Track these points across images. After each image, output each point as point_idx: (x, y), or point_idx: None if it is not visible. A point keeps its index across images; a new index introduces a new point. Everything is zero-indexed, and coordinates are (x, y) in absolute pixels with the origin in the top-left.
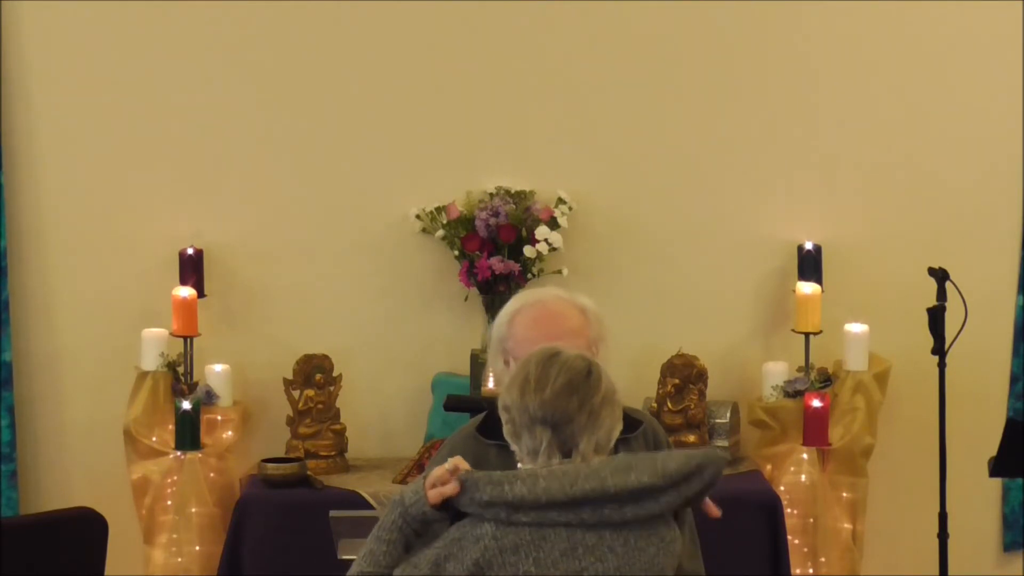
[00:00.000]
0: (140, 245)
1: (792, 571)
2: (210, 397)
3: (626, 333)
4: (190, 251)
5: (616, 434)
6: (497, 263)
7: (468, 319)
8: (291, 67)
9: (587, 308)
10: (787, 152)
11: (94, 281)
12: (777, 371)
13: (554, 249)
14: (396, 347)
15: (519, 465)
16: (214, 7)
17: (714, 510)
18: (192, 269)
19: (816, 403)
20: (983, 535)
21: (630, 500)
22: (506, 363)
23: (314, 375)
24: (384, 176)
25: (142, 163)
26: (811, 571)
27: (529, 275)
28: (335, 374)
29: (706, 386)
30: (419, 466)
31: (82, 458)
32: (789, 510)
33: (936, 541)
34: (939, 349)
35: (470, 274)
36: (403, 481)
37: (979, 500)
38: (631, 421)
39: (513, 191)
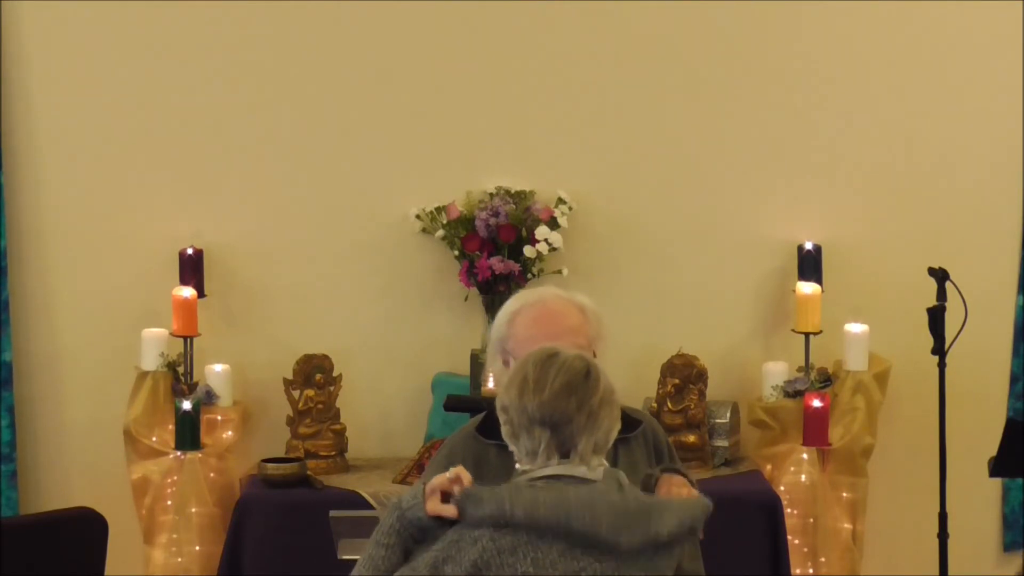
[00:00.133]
0: (140, 245)
1: (792, 571)
2: (210, 397)
3: (626, 333)
4: (190, 251)
5: (615, 434)
6: (497, 263)
7: (468, 319)
8: (291, 67)
9: (586, 307)
10: (787, 152)
11: (94, 281)
12: (777, 371)
13: (554, 249)
14: (396, 347)
15: (517, 466)
16: (214, 7)
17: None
18: (192, 269)
19: (816, 403)
20: (983, 535)
21: (618, 555)
22: (505, 363)
23: (314, 375)
24: (384, 176)
25: (142, 163)
26: (811, 571)
27: (529, 275)
28: (335, 374)
29: (706, 386)
30: (419, 466)
31: (82, 458)
32: (789, 510)
33: (936, 541)
34: (939, 349)
35: (470, 274)
36: (403, 481)
37: (979, 500)
38: (630, 421)
39: (513, 191)
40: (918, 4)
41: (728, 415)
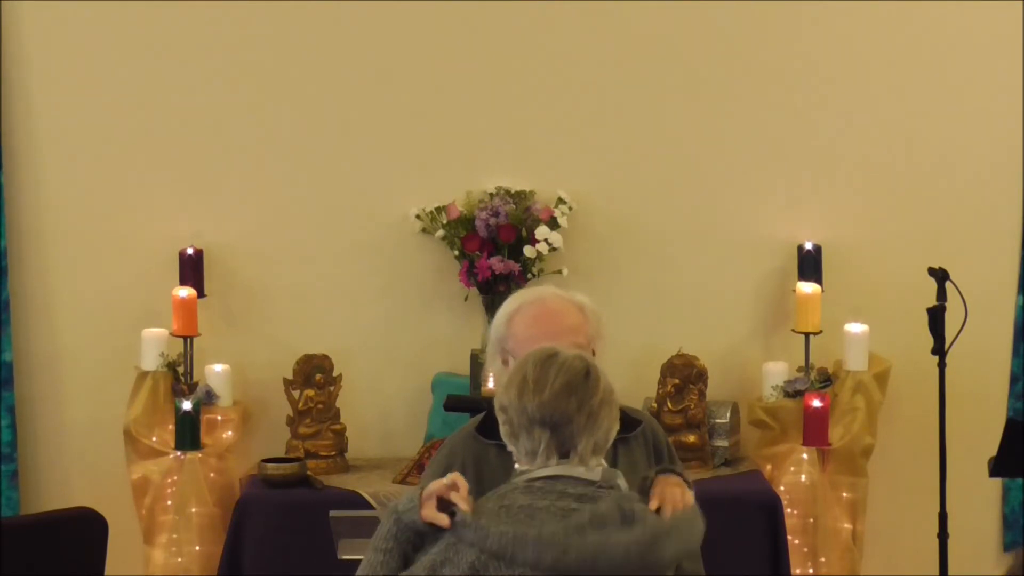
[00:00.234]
0: (140, 245)
1: (792, 571)
2: (210, 397)
3: (626, 333)
4: (190, 251)
5: (614, 434)
6: (497, 263)
7: (468, 319)
8: (291, 67)
9: (585, 306)
10: (787, 152)
11: (94, 281)
12: (777, 371)
13: (554, 249)
14: (396, 347)
15: (516, 466)
16: (214, 7)
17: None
18: (192, 269)
19: (816, 403)
20: (983, 535)
21: None
22: (505, 362)
23: (314, 375)
24: (384, 176)
25: (142, 163)
26: (811, 571)
27: (529, 275)
28: (335, 374)
29: (706, 386)
30: (419, 466)
31: (82, 458)
32: (789, 510)
33: (936, 541)
34: (939, 349)
35: (470, 274)
36: (403, 481)
37: (979, 500)
38: (630, 420)
39: (513, 191)
40: (918, 4)
41: (728, 415)
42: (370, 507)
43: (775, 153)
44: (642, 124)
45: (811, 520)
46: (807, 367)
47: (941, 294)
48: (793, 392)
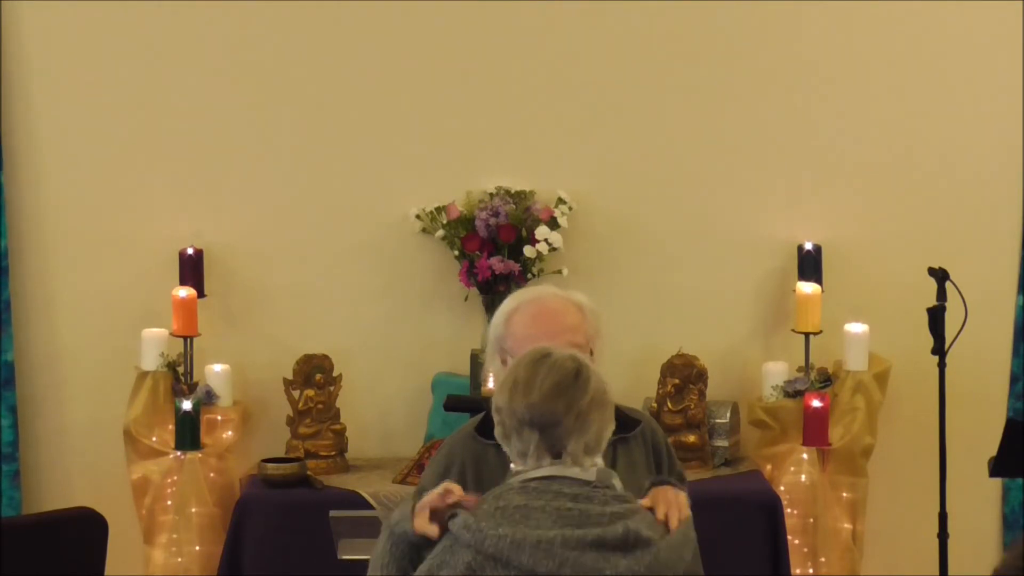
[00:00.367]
0: (140, 245)
1: (792, 571)
2: (210, 397)
3: (626, 333)
4: (190, 251)
5: (607, 435)
6: (497, 263)
7: (468, 319)
8: (291, 67)
9: (584, 305)
10: (787, 152)
11: (94, 281)
12: (777, 371)
13: (554, 249)
14: (396, 347)
15: (511, 466)
16: (214, 7)
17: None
18: (192, 269)
19: (816, 403)
20: (983, 535)
21: None
22: (504, 362)
23: (314, 375)
24: (384, 176)
25: (142, 163)
26: (811, 571)
27: (529, 275)
28: (335, 374)
29: (706, 386)
30: (419, 466)
31: (82, 458)
32: (789, 510)
33: (936, 541)
34: (939, 349)
35: (470, 274)
36: (403, 481)
37: (979, 500)
38: (629, 420)
39: (513, 191)
40: (918, 4)
41: (728, 415)
42: (370, 507)
43: (775, 153)
44: (642, 124)
45: (811, 520)
46: (807, 367)
47: (941, 294)
48: (793, 392)
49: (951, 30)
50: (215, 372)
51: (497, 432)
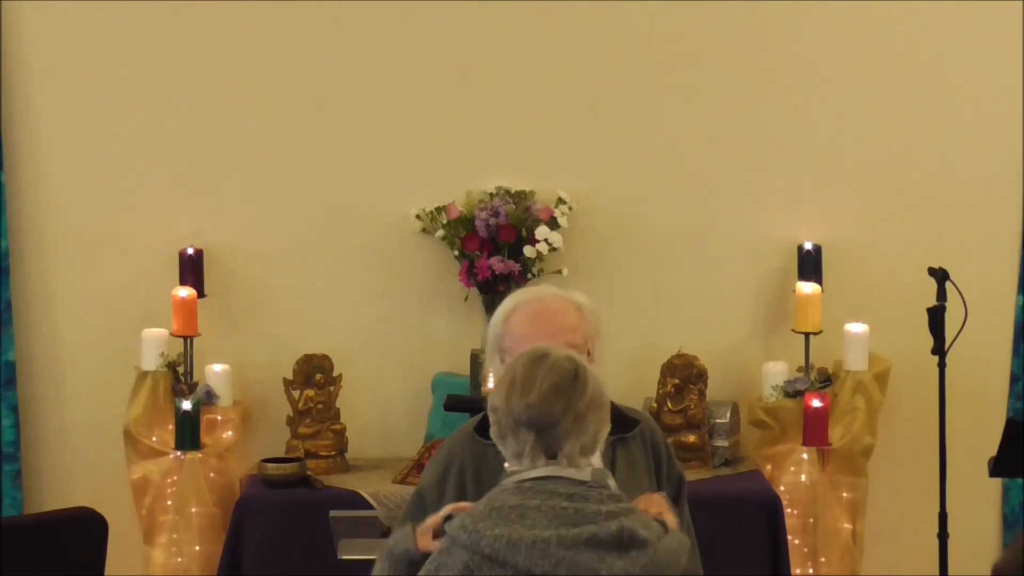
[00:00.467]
0: (140, 245)
1: (792, 571)
2: (210, 397)
3: (626, 333)
4: (190, 251)
5: (603, 436)
6: (497, 263)
7: (468, 319)
8: (291, 67)
9: (583, 305)
10: (787, 152)
11: (94, 281)
12: (777, 371)
13: (554, 249)
14: (396, 347)
15: (506, 466)
16: (214, 7)
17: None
18: (192, 269)
19: (816, 403)
20: (983, 535)
21: None
22: (503, 362)
23: (314, 375)
24: (384, 176)
25: (142, 163)
26: (811, 571)
27: (529, 275)
28: (335, 374)
29: (706, 386)
30: (419, 466)
31: (83, 458)
32: (789, 510)
33: (936, 541)
34: (939, 349)
35: (470, 274)
36: (403, 481)
37: (979, 500)
38: (628, 420)
39: (513, 191)
40: (918, 4)
41: (728, 415)
42: (370, 507)
43: (775, 153)
44: (642, 124)
45: (811, 520)
46: (807, 367)
47: (941, 294)
48: (793, 392)
49: (951, 30)
50: (215, 372)
51: (493, 432)
